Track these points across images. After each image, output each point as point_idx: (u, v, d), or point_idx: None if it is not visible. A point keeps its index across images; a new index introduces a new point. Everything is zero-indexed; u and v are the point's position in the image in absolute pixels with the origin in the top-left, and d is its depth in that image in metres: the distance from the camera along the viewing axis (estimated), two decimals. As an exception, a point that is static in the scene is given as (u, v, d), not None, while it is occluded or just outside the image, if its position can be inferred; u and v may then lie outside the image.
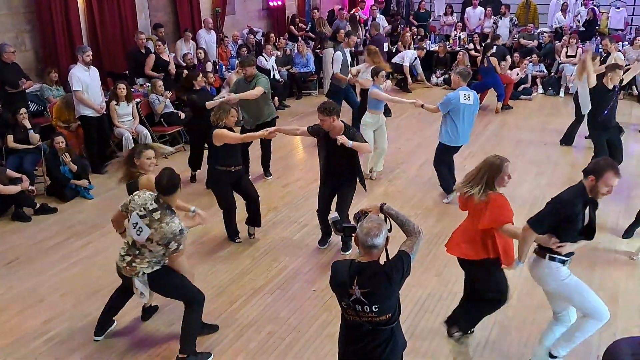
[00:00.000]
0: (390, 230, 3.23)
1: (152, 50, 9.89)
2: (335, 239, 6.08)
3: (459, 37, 14.22)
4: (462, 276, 5.50)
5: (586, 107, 7.85)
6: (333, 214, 3.77)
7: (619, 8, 14.76)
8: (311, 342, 4.63)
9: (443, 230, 6.42)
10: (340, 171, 5.69)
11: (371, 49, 8.99)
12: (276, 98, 11.20)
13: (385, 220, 3.32)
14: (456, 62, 12.85)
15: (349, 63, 9.22)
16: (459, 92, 6.70)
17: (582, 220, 3.72)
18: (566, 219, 3.73)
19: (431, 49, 13.95)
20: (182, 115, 9.22)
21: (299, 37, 13.68)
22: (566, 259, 3.90)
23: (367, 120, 7.50)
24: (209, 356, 4.44)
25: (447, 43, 14.26)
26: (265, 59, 11.58)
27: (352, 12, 15.00)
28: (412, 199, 7.25)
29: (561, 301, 4.11)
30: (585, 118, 8.10)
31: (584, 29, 14.11)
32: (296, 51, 12.69)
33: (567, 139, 9.17)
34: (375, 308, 3.11)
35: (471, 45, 13.81)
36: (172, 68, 9.96)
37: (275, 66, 11.74)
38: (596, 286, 4.97)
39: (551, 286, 4.00)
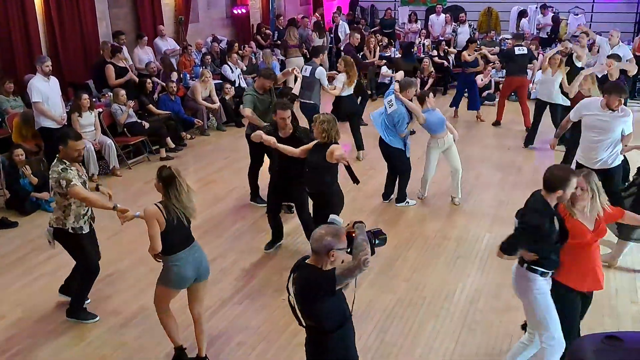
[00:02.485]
0: (373, 253, 3.19)
1: (108, 60, 9.67)
2: (293, 244, 6.09)
3: (423, 44, 14.39)
4: (431, 281, 5.58)
5: (551, 97, 8.54)
6: (333, 216, 3.69)
7: (577, 15, 15.16)
8: (282, 351, 4.59)
9: (412, 235, 6.47)
10: (291, 172, 5.75)
11: (347, 59, 8.87)
12: (241, 106, 11.13)
13: (350, 237, 3.20)
14: (420, 71, 13.01)
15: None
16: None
17: (554, 231, 3.73)
18: (540, 240, 3.72)
19: (396, 57, 14.08)
20: (146, 125, 9.10)
21: (265, 46, 13.66)
22: (546, 271, 3.83)
23: (431, 146, 7.16)
24: (94, 317, 4.95)
25: (412, 50, 14.40)
26: (231, 69, 11.52)
27: (303, 18, 14.98)
28: (380, 204, 7.29)
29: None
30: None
31: (546, 36, 14.47)
32: (261, 59, 12.66)
33: (529, 141, 9.46)
34: (300, 308, 3.17)
35: (435, 52, 13.98)
36: (133, 76, 9.77)
37: (241, 75, 11.69)
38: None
39: (526, 297, 3.91)
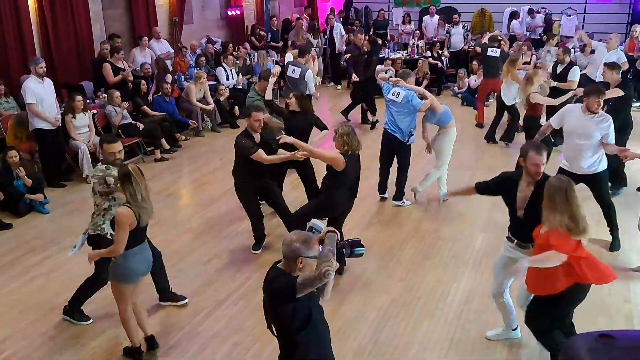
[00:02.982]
0: (341, 264, 3.21)
1: (107, 59, 9.65)
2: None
3: (417, 46, 14.43)
4: (425, 281, 5.60)
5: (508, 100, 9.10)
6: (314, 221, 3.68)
7: (570, 15, 15.25)
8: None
9: (406, 236, 6.50)
10: (262, 173, 5.86)
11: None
12: (236, 107, 11.16)
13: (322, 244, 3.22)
14: (416, 69, 13.06)
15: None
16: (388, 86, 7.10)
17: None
18: None
19: (390, 57, 14.12)
20: (141, 126, 9.09)
21: (260, 47, 13.66)
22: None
23: (444, 140, 7.18)
24: (88, 319, 4.95)
25: (406, 51, 14.46)
26: (225, 70, 11.51)
27: (298, 19, 14.98)
28: (374, 205, 7.31)
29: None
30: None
31: (538, 37, 14.56)
32: (256, 61, 12.66)
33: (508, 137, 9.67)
34: (269, 310, 3.18)
35: (429, 53, 14.03)
36: (129, 76, 9.75)
37: (235, 76, 11.68)
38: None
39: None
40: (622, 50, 10.91)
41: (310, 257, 3.09)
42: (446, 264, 5.92)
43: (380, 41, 13.67)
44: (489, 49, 10.52)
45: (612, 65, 7.45)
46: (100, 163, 4.82)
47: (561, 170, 5.96)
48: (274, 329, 3.25)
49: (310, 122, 6.67)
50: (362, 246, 3.36)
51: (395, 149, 7.20)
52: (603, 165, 5.90)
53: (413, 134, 7.11)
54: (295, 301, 3.05)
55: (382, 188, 7.52)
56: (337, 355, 4.53)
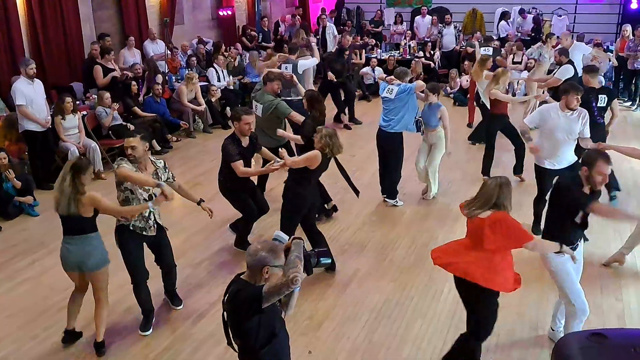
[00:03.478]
0: (308, 272, 3.14)
1: (97, 61, 9.57)
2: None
3: (409, 46, 14.44)
4: (418, 281, 5.58)
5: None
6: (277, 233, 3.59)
7: (560, 16, 15.30)
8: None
9: (398, 236, 6.48)
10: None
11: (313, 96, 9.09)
12: (228, 108, 11.11)
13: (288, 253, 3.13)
14: (410, 70, 13.07)
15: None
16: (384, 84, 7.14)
17: None
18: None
19: (382, 58, 14.13)
20: (131, 127, 9.03)
21: (251, 48, 13.62)
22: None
23: (442, 139, 7.18)
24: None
25: (398, 52, 14.46)
26: (217, 71, 11.46)
27: (294, 17, 14.96)
28: (367, 205, 7.28)
29: None
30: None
31: (529, 38, 14.60)
32: (247, 61, 12.63)
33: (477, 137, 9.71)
34: (230, 324, 3.09)
35: (421, 54, 14.03)
36: (118, 72, 9.66)
37: (226, 77, 11.64)
38: (545, 283, 5.10)
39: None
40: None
41: (276, 267, 3.00)
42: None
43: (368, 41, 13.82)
44: (482, 49, 10.68)
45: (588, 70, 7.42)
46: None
47: (547, 172, 6.03)
48: (235, 345, 3.17)
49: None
50: (329, 256, 3.25)
51: (387, 148, 7.18)
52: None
53: (420, 124, 7.09)
54: (260, 312, 2.94)
55: (384, 190, 7.44)
56: (330, 355, 4.53)
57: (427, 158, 7.28)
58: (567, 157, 6.04)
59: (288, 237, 3.30)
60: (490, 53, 10.46)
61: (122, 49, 10.89)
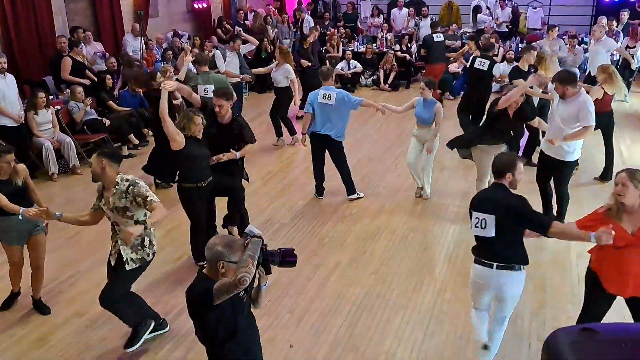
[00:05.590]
0: (267, 272, 3.09)
1: (67, 54, 9.41)
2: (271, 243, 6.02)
3: (386, 39, 14.44)
4: (399, 273, 5.61)
5: None
6: (250, 227, 3.54)
7: (535, 8, 15.44)
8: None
9: (378, 229, 6.50)
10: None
11: (283, 48, 9.28)
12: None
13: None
14: (383, 62, 13.12)
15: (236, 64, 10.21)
16: (318, 92, 6.96)
17: None
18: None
19: (359, 51, 14.12)
20: (107, 122, 8.90)
21: (226, 40, 13.48)
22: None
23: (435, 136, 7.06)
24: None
25: (375, 44, 14.46)
26: (193, 64, 11.31)
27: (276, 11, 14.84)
28: (346, 200, 7.29)
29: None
30: None
31: (506, 30, 14.72)
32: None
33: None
34: (192, 319, 3.10)
35: (397, 47, 14.05)
36: (91, 76, 9.53)
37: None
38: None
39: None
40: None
41: (232, 262, 2.95)
42: (418, 256, 5.94)
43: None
44: (434, 35, 11.35)
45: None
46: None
47: (545, 158, 6.12)
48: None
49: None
50: (295, 258, 3.13)
51: (328, 148, 7.09)
52: (577, 154, 6.05)
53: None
54: (215, 309, 2.90)
55: (321, 190, 7.39)
56: (312, 349, 4.53)
57: (423, 158, 7.13)
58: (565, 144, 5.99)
59: (259, 233, 3.27)
60: (442, 38, 11.26)
61: (96, 42, 10.71)
